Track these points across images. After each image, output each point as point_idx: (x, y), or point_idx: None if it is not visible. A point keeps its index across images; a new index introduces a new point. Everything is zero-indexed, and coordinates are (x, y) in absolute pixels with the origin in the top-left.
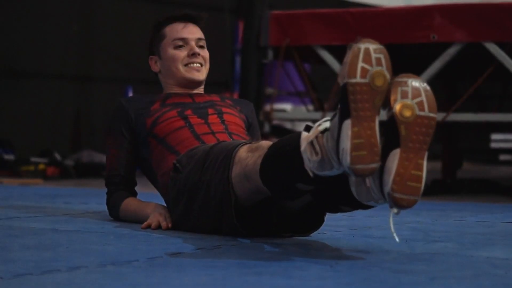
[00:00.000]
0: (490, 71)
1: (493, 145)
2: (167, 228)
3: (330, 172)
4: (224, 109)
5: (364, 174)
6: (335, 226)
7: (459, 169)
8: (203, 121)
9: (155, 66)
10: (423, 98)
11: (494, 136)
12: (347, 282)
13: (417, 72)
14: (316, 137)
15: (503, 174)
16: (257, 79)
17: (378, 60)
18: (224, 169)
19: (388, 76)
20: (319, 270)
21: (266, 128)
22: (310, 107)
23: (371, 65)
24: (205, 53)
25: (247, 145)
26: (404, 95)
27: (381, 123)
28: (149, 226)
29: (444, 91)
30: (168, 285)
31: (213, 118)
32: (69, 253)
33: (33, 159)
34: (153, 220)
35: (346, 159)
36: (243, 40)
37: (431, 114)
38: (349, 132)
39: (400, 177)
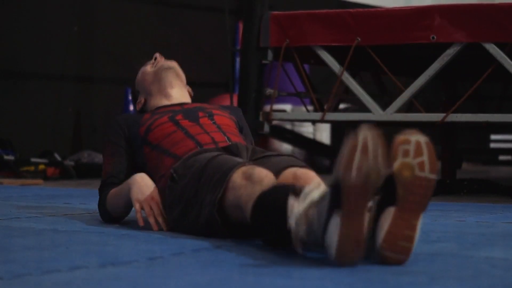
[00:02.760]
0: (490, 71)
1: (493, 145)
2: (160, 214)
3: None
4: (214, 111)
5: (347, 265)
6: None
7: (459, 170)
8: (194, 123)
9: (141, 100)
10: (425, 157)
11: (494, 137)
12: (347, 282)
13: (416, 72)
14: (305, 213)
15: (502, 174)
16: (257, 80)
17: (375, 153)
18: (217, 192)
19: (382, 171)
20: (319, 270)
21: (266, 128)
22: (310, 107)
23: (367, 159)
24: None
25: (242, 170)
26: (405, 154)
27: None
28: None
29: (444, 91)
30: (168, 285)
31: (204, 120)
32: (69, 253)
33: (33, 160)
34: (144, 205)
35: (332, 252)
36: (243, 41)
37: (431, 176)
38: (338, 228)
39: (392, 236)
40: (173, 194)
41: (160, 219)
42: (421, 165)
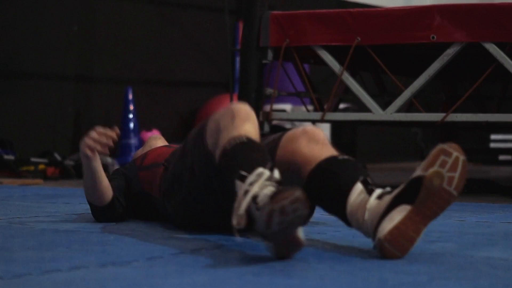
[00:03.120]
0: (490, 71)
1: (493, 145)
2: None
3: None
4: None
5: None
6: (335, 226)
7: None
8: None
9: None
10: (457, 174)
11: (494, 137)
12: (347, 282)
13: (417, 72)
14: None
15: (502, 174)
16: (257, 80)
17: (294, 210)
18: (200, 145)
19: (305, 209)
20: (319, 270)
21: (266, 128)
22: (310, 107)
23: (286, 215)
24: None
25: (215, 117)
26: (442, 165)
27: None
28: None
29: (444, 91)
30: (168, 285)
31: None
32: (69, 253)
33: (33, 159)
34: (90, 143)
35: (271, 253)
36: (243, 41)
37: (454, 192)
38: (273, 249)
39: (398, 231)
40: (167, 181)
41: (108, 132)
42: (450, 180)
